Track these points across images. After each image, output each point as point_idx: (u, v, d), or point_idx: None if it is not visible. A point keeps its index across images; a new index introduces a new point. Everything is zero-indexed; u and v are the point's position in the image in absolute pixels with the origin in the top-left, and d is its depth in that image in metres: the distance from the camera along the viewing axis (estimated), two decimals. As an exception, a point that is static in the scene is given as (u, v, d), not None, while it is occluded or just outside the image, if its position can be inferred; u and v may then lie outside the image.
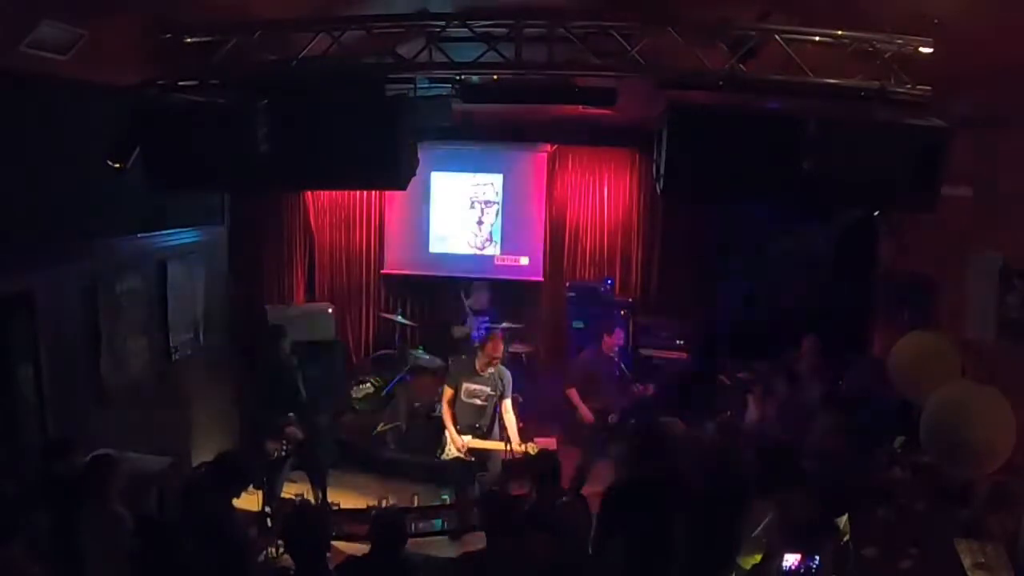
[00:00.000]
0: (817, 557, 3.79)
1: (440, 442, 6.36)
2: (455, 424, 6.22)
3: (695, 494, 4.19)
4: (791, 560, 3.62)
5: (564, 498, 4.59)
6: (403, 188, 4.87)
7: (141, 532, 3.78)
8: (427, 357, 8.31)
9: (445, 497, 6.42)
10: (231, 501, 4.29)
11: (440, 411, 6.54)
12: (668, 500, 4.12)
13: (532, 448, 6.03)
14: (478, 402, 6.24)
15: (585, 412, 6.76)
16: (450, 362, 6.99)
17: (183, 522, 3.99)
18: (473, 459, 6.23)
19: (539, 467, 4.70)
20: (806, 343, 7.00)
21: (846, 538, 4.48)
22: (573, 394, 6.84)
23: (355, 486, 7.42)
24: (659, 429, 4.78)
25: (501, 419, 6.28)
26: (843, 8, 4.23)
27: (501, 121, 8.14)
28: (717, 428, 5.36)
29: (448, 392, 6.29)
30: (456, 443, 6.16)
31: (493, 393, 6.24)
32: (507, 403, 6.31)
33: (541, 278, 9.15)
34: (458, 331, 8.69)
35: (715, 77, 4.34)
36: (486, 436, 6.26)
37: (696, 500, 4.15)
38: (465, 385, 6.23)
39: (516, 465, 5.91)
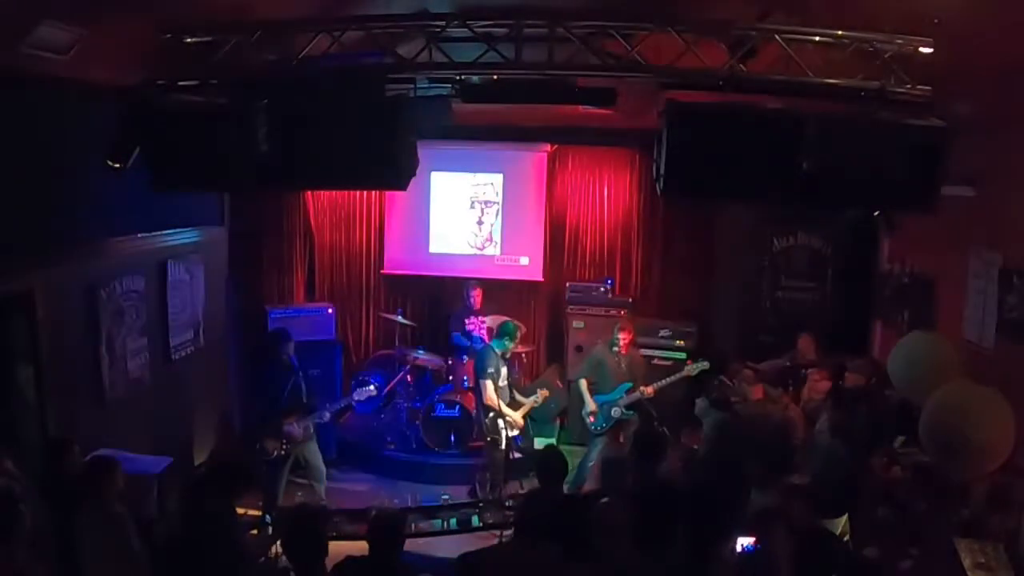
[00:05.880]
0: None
1: (496, 431, 6.70)
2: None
3: (691, 495, 4.18)
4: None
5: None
6: (403, 188, 4.87)
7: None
8: (427, 357, 8.31)
9: (446, 497, 6.45)
10: (231, 504, 4.29)
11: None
12: (667, 503, 4.10)
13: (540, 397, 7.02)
14: (506, 381, 6.90)
15: (591, 404, 6.83)
16: (477, 358, 7.02)
17: (183, 524, 3.98)
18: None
19: (545, 465, 4.63)
20: (801, 342, 7.06)
21: (846, 538, 4.48)
22: (582, 385, 6.93)
23: (355, 486, 7.44)
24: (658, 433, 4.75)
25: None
26: (843, 8, 4.23)
27: (501, 121, 8.11)
28: (714, 426, 5.37)
29: (492, 384, 6.69)
30: (518, 423, 6.80)
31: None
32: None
33: (541, 278, 9.13)
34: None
35: (715, 77, 4.34)
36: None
37: (692, 501, 4.13)
38: (502, 370, 6.80)
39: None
